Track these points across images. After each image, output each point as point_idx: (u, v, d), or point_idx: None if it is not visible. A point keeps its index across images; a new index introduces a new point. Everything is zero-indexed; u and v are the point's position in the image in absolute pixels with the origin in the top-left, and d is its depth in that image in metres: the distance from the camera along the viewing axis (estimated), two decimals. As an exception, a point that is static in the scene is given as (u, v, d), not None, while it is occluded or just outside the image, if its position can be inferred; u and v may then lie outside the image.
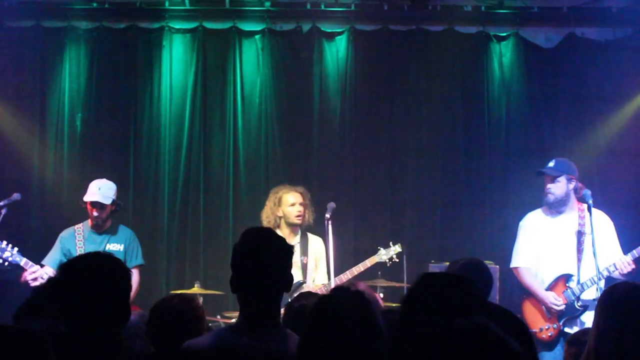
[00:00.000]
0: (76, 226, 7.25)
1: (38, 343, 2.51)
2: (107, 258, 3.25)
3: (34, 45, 8.55)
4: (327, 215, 6.84)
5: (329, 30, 8.72)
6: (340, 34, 8.71)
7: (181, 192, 8.54)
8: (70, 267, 3.22)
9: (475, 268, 4.80)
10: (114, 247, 7.17)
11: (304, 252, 7.41)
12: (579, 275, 6.75)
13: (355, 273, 7.23)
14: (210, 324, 7.22)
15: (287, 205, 7.38)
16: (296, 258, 6.98)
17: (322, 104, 8.66)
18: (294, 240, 7.33)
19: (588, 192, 6.77)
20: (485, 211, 8.53)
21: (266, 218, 7.46)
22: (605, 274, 6.73)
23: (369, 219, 8.24)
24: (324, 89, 8.67)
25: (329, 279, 6.89)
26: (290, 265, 3.44)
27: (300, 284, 7.18)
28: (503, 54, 8.72)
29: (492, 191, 8.57)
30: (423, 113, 8.66)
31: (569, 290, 6.82)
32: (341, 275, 7.18)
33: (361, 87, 8.70)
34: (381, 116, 8.67)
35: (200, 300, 7.17)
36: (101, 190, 7.08)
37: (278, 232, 7.12)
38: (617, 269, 6.72)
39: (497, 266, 7.73)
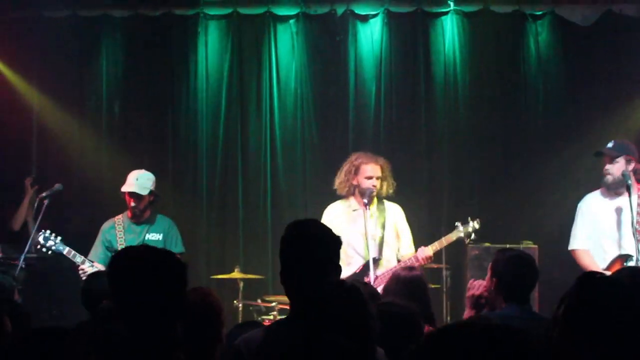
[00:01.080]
0: (116, 217, 7.31)
1: (72, 344, 2.50)
2: (160, 252, 3.23)
3: (71, 35, 8.63)
4: (365, 201, 6.84)
5: (363, 13, 8.69)
6: (374, 16, 8.68)
7: (219, 178, 8.61)
8: (123, 263, 3.20)
9: (518, 259, 4.81)
10: (153, 236, 7.22)
11: (380, 224, 7.08)
12: (637, 255, 6.66)
13: (432, 252, 6.89)
14: (251, 308, 7.33)
15: (364, 177, 7.03)
16: (372, 231, 6.93)
17: (357, 86, 8.65)
18: (369, 211, 6.99)
19: (627, 173, 6.74)
20: (524, 192, 8.47)
21: (339, 184, 7.16)
22: None
23: (406, 202, 8.16)
24: (358, 72, 8.66)
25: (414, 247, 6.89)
26: (337, 256, 3.44)
27: (377, 260, 6.86)
28: (539, 33, 8.62)
29: (531, 172, 8.51)
30: (459, 95, 8.61)
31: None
32: (414, 254, 6.92)
33: (396, 70, 8.67)
34: (416, 98, 8.63)
35: (241, 285, 7.26)
36: (139, 181, 7.13)
37: (352, 200, 7.11)
38: None
39: (536, 246, 7.74)
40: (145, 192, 7.15)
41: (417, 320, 3.89)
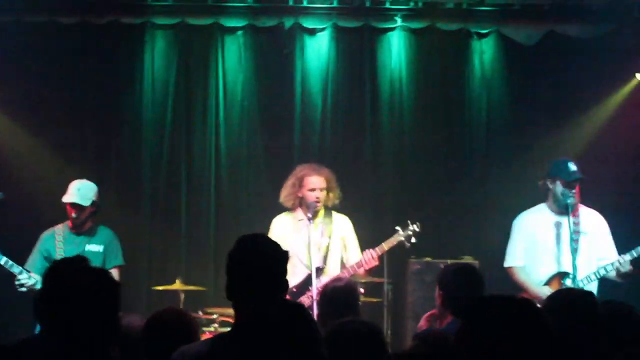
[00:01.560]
0: (55, 227, 7.21)
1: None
2: (95, 271, 3.24)
3: (16, 41, 8.41)
4: (309, 215, 6.87)
5: (311, 27, 8.72)
6: (322, 30, 8.71)
7: (163, 189, 8.56)
8: (56, 279, 3.18)
9: (464, 271, 4.87)
10: (94, 247, 7.14)
11: (326, 233, 7.14)
12: (574, 273, 6.75)
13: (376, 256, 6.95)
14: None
15: (307, 189, 7.09)
16: (317, 239, 6.96)
17: (303, 100, 8.68)
18: (317, 221, 7.08)
19: (566, 191, 6.86)
20: (466, 208, 8.57)
21: (286, 196, 7.22)
22: (602, 273, 6.80)
23: (350, 217, 8.14)
24: (305, 85, 8.69)
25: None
26: (285, 271, 3.44)
27: (320, 270, 6.92)
28: (484, 51, 8.75)
29: (473, 188, 8.61)
30: (404, 111, 8.69)
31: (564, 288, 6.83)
32: (360, 259, 6.98)
33: (343, 84, 8.71)
34: (362, 113, 8.69)
35: (182, 296, 7.21)
36: (80, 191, 7.04)
37: (299, 211, 7.14)
38: (614, 269, 6.78)
39: (477, 261, 7.81)
40: (87, 203, 7.06)
41: (381, 336, 3.89)
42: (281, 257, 3.45)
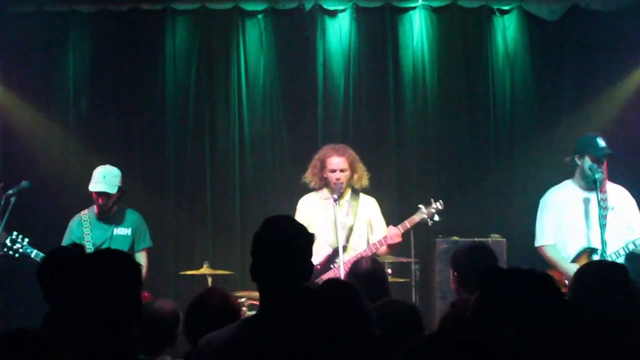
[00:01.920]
0: (82, 213, 7.27)
1: (46, 347, 2.48)
2: (114, 254, 3.28)
3: (37, 31, 8.52)
4: (335, 196, 6.85)
5: (332, 8, 8.69)
6: (342, 11, 8.68)
7: (188, 174, 8.58)
8: (76, 265, 3.24)
9: (476, 250, 4.84)
10: (121, 231, 7.19)
11: (352, 212, 7.07)
12: (604, 249, 6.70)
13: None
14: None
15: (329, 170, 7.04)
16: (342, 219, 6.90)
17: (325, 81, 8.65)
18: (342, 201, 7.02)
19: (594, 167, 6.81)
20: (492, 186, 8.53)
21: (310, 177, 7.16)
22: (631, 247, 6.77)
23: (373, 197, 8.11)
24: (327, 67, 8.66)
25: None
26: (310, 254, 3.43)
27: (344, 248, 6.78)
28: (507, 28, 8.67)
29: (498, 167, 8.58)
30: (427, 89, 8.64)
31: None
32: (383, 236, 6.92)
33: (364, 64, 8.68)
34: (385, 93, 8.65)
35: (209, 280, 7.23)
36: (106, 179, 7.07)
37: (325, 191, 7.12)
38: (637, 246, 6.76)
39: (504, 239, 7.79)
40: (114, 191, 7.10)
41: (418, 317, 3.89)
42: (307, 239, 3.43)
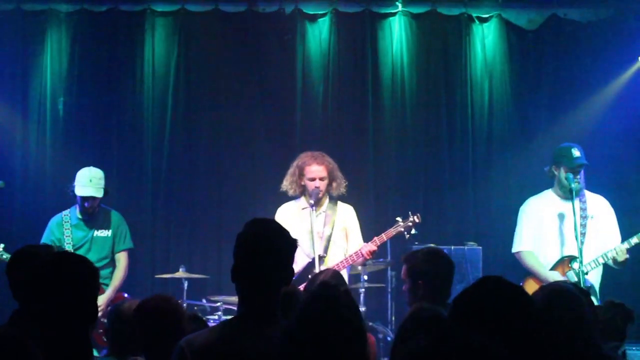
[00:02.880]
0: (63, 213, 7.23)
1: (26, 347, 2.50)
2: (74, 259, 3.41)
3: (15, 29, 8.47)
4: (312, 202, 6.84)
5: (312, 12, 8.69)
6: (322, 15, 8.69)
7: (165, 176, 8.53)
8: (39, 269, 3.32)
9: (436, 256, 4.84)
10: (102, 233, 7.17)
11: (329, 222, 7.07)
12: (581, 258, 6.73)
13: (374, 248, 6.82)
14: (195, 307, 7.28)
15: (307, 178, 7.01)
16: (319, 228, 6.90)
17: (305, 85, 8.65)
18: (320, 210, 7.01)
19: (570, 177, 6.85)
20: (469, 193, 8.57)
21: (288, 185, 7.14)
22: (601, 260, 6.81)
23: (350, 202, 8.09)
24: (306, 72, 8.66)
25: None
26: (292, 260, 3.42)
27: (321, 258, 6.81)
28: (486, 36, 8.72)
29: (476, 174, 8.61)
30: (406, 95, 8.66)
31: (571, 271, 6.85)
32: (358, 250, 6.86)
33: (344, 69, 8.69)
34: (364, 99, 8.66)
35: (185, 284, 7.20)
36: (92, 182, 7.04)
37: (302, 199, 7.09)
38: (610, 259, 6.81)
39: (480, 247, 7.82)
40: (101, 194, 7.10)
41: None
42: (291, 244, 3.43)
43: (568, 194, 6.87)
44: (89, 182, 7.03)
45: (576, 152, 6.97)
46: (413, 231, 7.01)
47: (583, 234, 6.82)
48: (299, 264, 6.81)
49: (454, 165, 8.62)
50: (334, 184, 7.06)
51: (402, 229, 6.97)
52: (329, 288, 2.98)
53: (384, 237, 6.92)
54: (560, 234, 7.02)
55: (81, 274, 3.30)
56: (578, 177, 6.91)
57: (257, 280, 3.30)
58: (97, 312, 3.36)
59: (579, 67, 8.59)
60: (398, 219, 7.02)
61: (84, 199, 7.04)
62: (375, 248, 6.79)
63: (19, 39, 8.51)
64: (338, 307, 2.82)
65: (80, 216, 7.17)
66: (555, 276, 6.79)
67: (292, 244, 3.41)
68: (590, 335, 3.51)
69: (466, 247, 7.73)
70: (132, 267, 7.58)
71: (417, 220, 7.00)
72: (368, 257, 6.82)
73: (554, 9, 8.66)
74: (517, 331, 2.67)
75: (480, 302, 2.75)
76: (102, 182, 7.11)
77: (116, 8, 8.56)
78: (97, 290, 3.41)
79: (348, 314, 2.82)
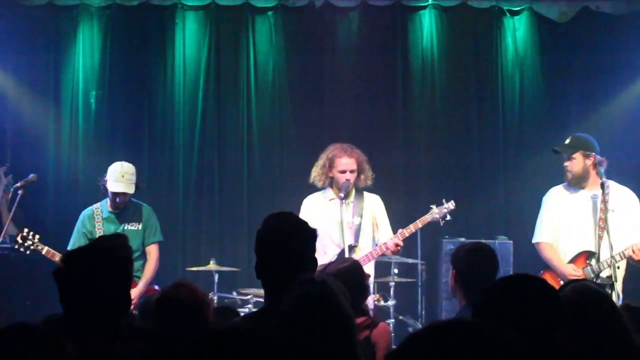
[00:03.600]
0: (94, 206, 7.26)
1: (55, 340, 2.52)
2: (109, 249, 3.40)
3: (47, 24, 8.59)
4: (342, 195, 6.83)
5: (342, 6, 8.69)
6: (352, 9, 8.68)
7: (196, 169, 8.59)
8: (70, 259, 3.36)
9: (480, 254, 4.79)
10: (133, 226, 7.20)
11: (358, 212, 7.01)
12: (599, 252, 6.65)
13: (407, 234, 6.80)
14: (226, 300, 7.32)
15: (338, 170, 6.95)
16: (348, 219, 6.87)
17: (335, 79, 8.66)
18: (348, 201, 6.95)
19: (600, 169, 6.73)
20: (500, 187, 8.53)
21: (316, 176, 7.08)
22: (619, 258, 6.61)
23: (381, 196, 8.00)
24: (336, 65, 8.66)
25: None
26: (313, 250, 3.44)
27: (352, 247, 6.79)
28: (517, 29, 8.67)
29: (506, 168, 8.57)
30: (436, 88, 8.64)
31: (588, 267, 6.69)
32: (392, 236, 6.81)
33: (373, 62, 8.67)
34: (394, 92, 8.65)
35: (216, 277, 7.24)
36: (124, 178, 7.07)
37: (329, 191, 7.05)
38: (625, 257, 6.63)
39: (511, 241, 7.80)
40: (132, 190, 7.14)
41: None
42: (308, 234, 3.45)
43: (591, 186, 6.81)
44: (120, 177, 7.07)
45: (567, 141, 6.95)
46: (448, 217, 6.95)
47: (603, 228, 6.67)
48: (329, 255, 6.82)
49: (485, 159, 8.60)
50: (362, 177, 7.03)
51: (437, 216, 6.91)
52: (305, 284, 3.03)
53: (418, 223, 6.86)
54: (580, 226, 6.82)
55: (113, 263, 3.32)
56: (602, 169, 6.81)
57: (279, 275, 3.35)
58: (130, 302, 3.38)
59: (611, 61, 8.50)
60: (432, 205, 6.97)
61: (116, 194, 7.09)
62: (401, 242, 6.77)
63: (52, 34, 8.61)
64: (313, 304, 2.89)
65: (111, 210, 7.23)
66: (572, 270, 6.65)
67: (310, 235, 3.45)
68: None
69: (497, 241, 7.71)
70: (163, 260, 7.61)
71: (451, 207, 6.94)
72: (395, 250, 6.80)
73: (586, 2, 8.59)
74: (543, 329, 2.66)
75: (505, 300, 2.73)
76: (134, 178, 7.14)
77: (147, 2, 8.62)
78: (130, 280, 3.42)
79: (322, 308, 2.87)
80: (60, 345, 2.50)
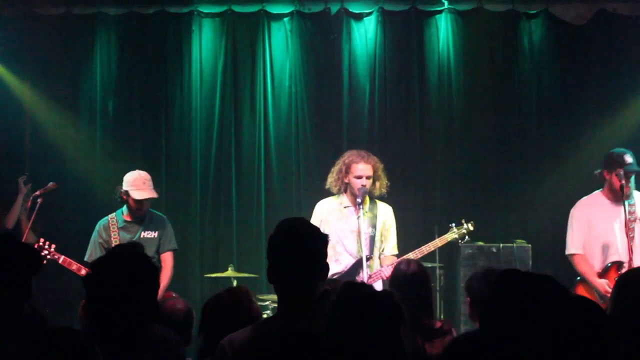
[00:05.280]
0: (110, 216, 7.24)
1: (87, 343, 2.60)
2: (134, 257, 3.45)
3: (65, 33, 8.66)
4: (358, 200, 6.80)
5: (357, 11, 8.70)
6: (368, 14, 8.69)
7: (213, 176, 8.62)
8: (98, 267, 3.43)
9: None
10: (148, 234, 7.20)
11: (372, 222, 6.96)
12: (631, 263, 6.62)
13: (425, 252, 6.78)
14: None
15: (354, 176, 6.92)
16: (364, 229, 6.80)
17: (351, 85, 8.66)
18: (361, 210, 6.84)
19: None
20: (517, 192, 8.49)
21: (331, 182, 7.07)
22: None
23: (399, 201, 7.72)
24: (352, 70, 8.67)
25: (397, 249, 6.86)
26: (325, 255, 3.45)
27: (368, 259, 6.73)
28: (533, 32, 8.64)
29: (524, 172, 8.53)
30: (453, 93, 8.62)
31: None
32: (410, 254, 6.74)
33: (390, 68, 8.67)
34: (410, 97, 8.64)
35: (234, 283, 7.24)
36: (146, 185, 7.08)
37: (344, 197, 7.01)
38: None
39: (529, 245, 7.76)
40: (156, 194, 7.16)
41: None
42: (320, 239, 3.45)
43: (618, 198, 6.79)
44: (142, 184, 7.07)
45: (629, 159, 6.84)
46: (467, 238, 6.95)
47: (633, 238, 6.67)
48: (342, 263, 6.80)
49: (502, 163, 8.56)
50: (377, 184, 6.99)
51: (456, 236, 6.90)
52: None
53: (438, 242, 6.86)
54: (609, 237, 6.86)
55: (137, 271, 3.38)
56: (630, 183, 6.80)
57: (291, 280, 3.36)
58: (157, 309, 3.45)
59: (628, 63, 8.46)
60: (452, 225, 6.94)
61: (140, 202, 7.09)
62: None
63: (70, 42, 8.68)
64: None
65: (126, 219, 7.23)
66: (604, 284, 6.68)
67: (322, 240, 3.46)
68: None
69: (515, 245, 7.69)
70: (181, 267, 7.64)
71: (471, 228, 6.93)
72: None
73: (603, 4, 8.55)
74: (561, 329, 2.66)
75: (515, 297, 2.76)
76: (152, 184, 7.18)
77: (164, 10, 8.66)
78: (157, 287, 3.48)
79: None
80: (94, 350, 2.67)
